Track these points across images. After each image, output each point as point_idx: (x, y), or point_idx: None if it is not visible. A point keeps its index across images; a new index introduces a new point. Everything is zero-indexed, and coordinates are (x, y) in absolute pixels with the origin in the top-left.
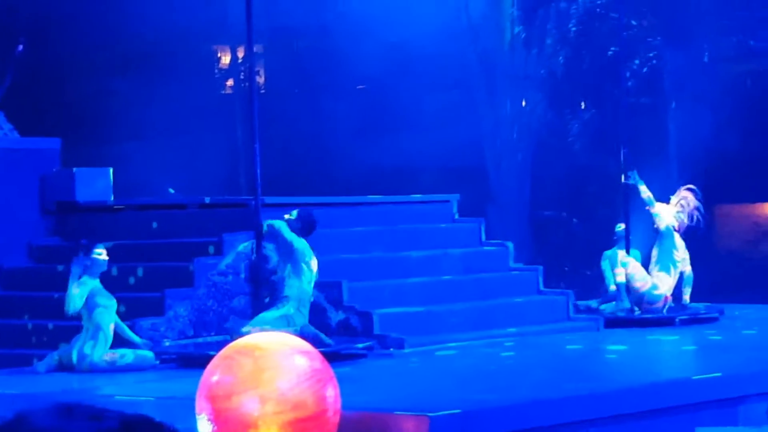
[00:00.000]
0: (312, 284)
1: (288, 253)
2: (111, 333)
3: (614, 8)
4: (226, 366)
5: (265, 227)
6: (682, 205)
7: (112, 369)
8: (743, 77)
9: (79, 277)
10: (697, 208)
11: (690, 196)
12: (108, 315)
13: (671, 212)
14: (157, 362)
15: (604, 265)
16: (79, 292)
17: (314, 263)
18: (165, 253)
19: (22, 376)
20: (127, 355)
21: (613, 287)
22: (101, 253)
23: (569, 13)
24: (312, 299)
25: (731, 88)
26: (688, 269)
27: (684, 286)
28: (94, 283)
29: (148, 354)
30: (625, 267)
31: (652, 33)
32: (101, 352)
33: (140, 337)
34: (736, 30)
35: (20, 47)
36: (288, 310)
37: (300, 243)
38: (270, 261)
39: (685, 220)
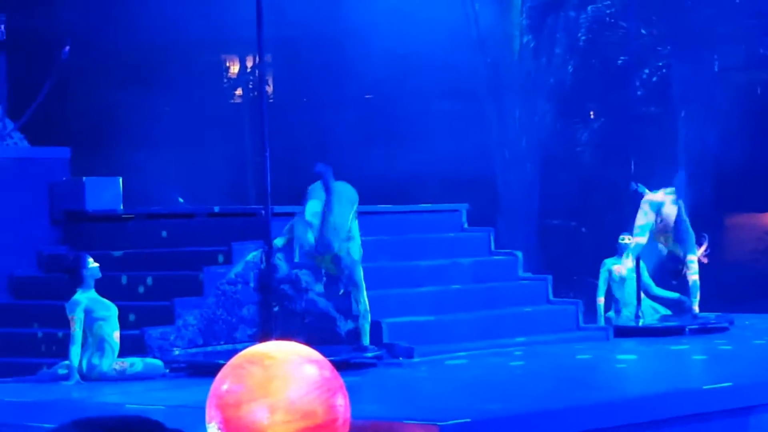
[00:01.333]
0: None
1: None
2: (116, 341)
3: (624, 17)
4: (236, 375)
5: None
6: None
7: (122, 378)
8: (753, 86)
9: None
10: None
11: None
12: (108, 325)
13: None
14: (167, 371)
15: (603, 271)
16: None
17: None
18: (174, 262)
19: (31, 384)
20: (137, 363)
21: (600, 299)
22: (92, 262)
23: (578, 22)
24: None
25: (741, 97)
26: (694, 278)
27: (692, 297)
28: (89, 295)
29: (158, 363)
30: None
31: (662, 42)
32: (110, 361)
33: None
34: (745, 38)
35: (66, 49)
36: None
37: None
38: (279, 270)
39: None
